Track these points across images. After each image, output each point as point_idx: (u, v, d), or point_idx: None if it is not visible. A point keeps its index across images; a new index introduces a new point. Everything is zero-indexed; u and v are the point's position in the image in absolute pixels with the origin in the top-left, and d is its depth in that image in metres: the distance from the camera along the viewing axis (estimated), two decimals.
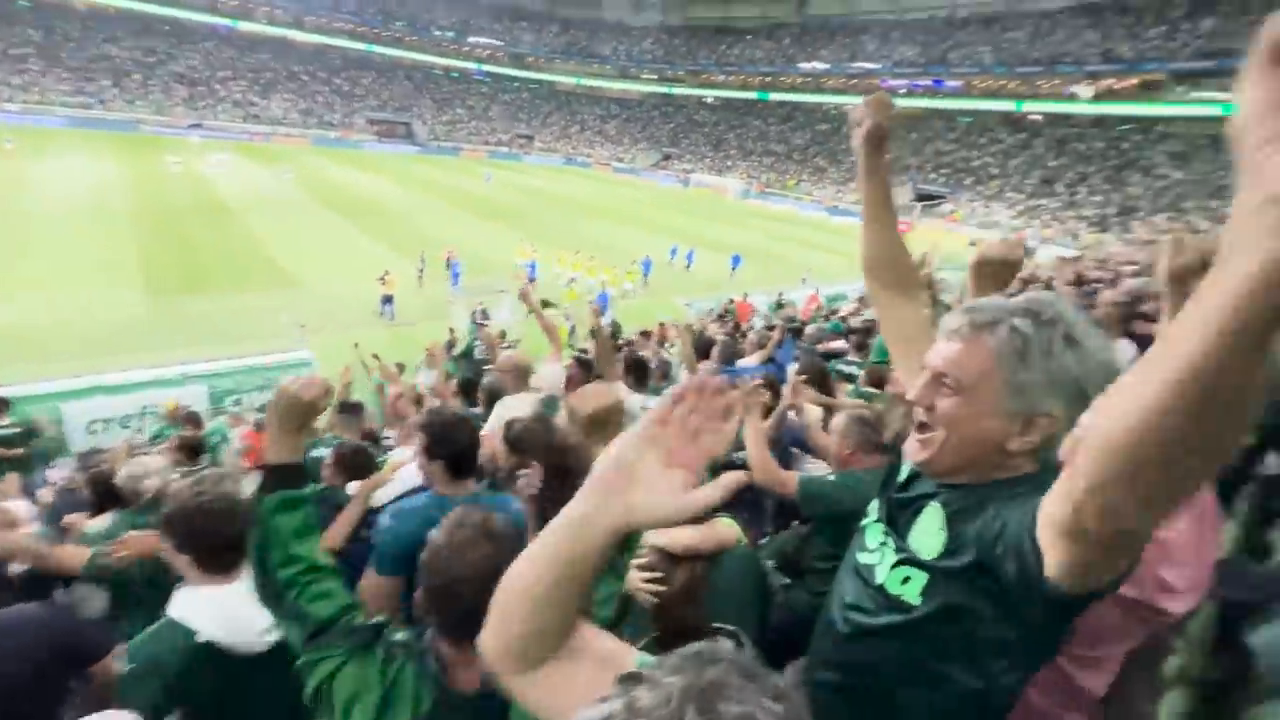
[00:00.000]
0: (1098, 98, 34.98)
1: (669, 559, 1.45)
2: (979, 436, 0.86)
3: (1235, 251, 0.39)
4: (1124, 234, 26.81)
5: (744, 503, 2.81)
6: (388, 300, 12.95)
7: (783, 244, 25.65)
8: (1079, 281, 8.88)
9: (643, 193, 38.13)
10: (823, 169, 43.25)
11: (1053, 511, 0.66)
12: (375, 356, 6.24)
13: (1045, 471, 0.87)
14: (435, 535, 1.06)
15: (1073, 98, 35.88)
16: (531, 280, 15.87)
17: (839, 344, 5.88)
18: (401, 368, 7.33)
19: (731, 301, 13.90)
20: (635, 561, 1.37)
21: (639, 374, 3.33)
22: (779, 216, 34.15)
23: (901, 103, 43.31)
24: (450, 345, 8.31)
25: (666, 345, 7.93)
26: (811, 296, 16.63)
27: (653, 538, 1.51)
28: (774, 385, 3.06)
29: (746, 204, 39.12)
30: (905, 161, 40.97)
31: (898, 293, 1.32)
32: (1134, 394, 0.48)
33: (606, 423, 1.62)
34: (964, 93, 40.32)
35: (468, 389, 4.14)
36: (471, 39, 55.54)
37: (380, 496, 2.20)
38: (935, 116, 42.30)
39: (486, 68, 56.35)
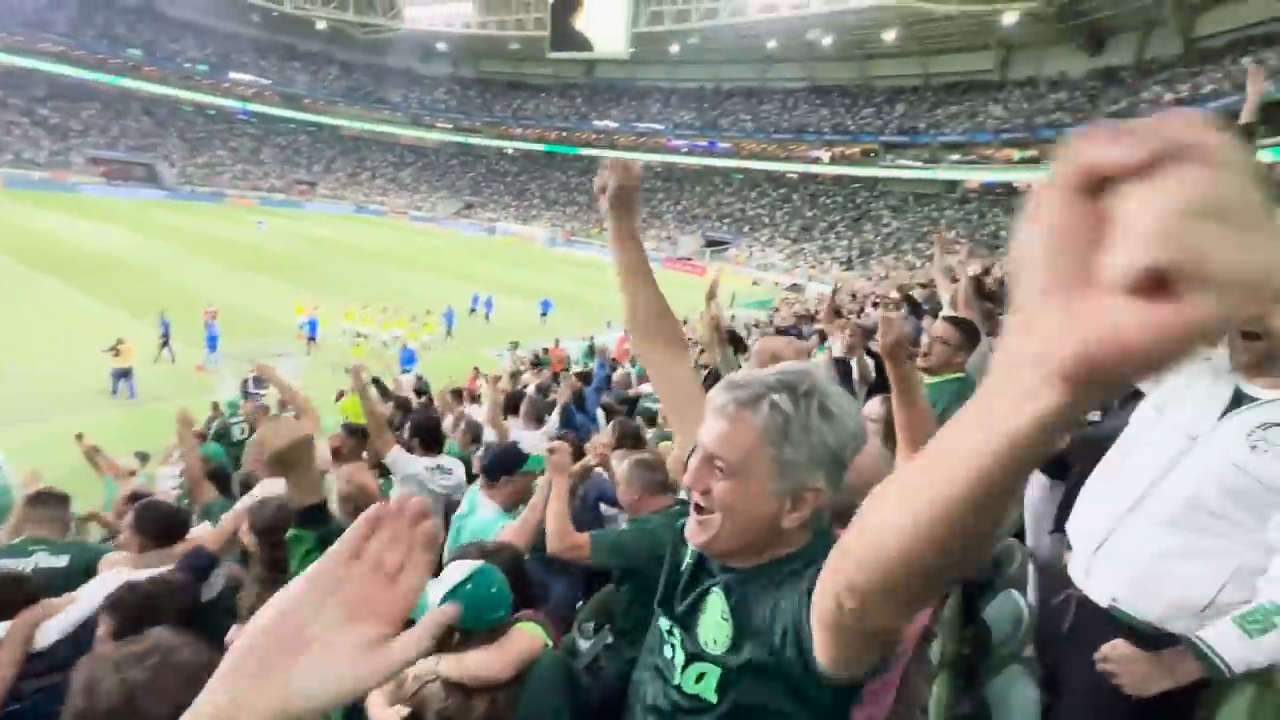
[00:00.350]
0: (833, 161, 42.47)
1: (462, 693, 1.23)
2: (754, 517, 0.86)
3: (998, 398, 0.36)
4: (865, 271, 32.44)
5: (563, 572, 2.65)
6: (123, 375, 10.56)
7: (590, 288, 26.52)
8: (837, 312, 10.37)
9: (445, 241, 36.93)
10: None
11: (817, 604, 0.66)
12: (94, 449, 4.92)
13: (818, 538, 0.90)
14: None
15: (817, 160, 43.10)
16: (311, 339, 14.22)
17: (649, 386, 6.10)
18: (144, 457, 5.97)
19: (545, 350, 13.82)
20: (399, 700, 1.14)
21: (428, 438, 3.03)
22: (586, 262, 35.38)
23: (683, 160, 48.26)
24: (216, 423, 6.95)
25: (474, 402, 7.52)
26: (621, 339, 17.30)
27: (441, 666, 1.26)
28: (577, 445, 2.99)
29: (554, 251, 39.94)
30: (694, 211, 45.38)
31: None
32: (889, 517, 0.47)
33: (295, 463, 1.38)
34: (734, 154, 46.16)
35: (220, 479, 3.42)
36: (233, 75, 49.66)
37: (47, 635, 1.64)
38: (714, 173, 47.68)
39: (253, 107, 50.62)
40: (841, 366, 3.94)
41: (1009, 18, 31.80)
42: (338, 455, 2.80)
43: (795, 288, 32.37)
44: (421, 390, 9.29)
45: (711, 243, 41.70)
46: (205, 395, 9.82)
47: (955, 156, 37.97)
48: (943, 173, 38.36)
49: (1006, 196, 36.67)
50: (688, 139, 47.61)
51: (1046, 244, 0.30)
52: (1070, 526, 1.67)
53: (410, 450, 2.91)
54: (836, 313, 4.90)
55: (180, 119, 46.69)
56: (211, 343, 12.43)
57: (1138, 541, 1.42)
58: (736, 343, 5.30)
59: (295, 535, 1.51)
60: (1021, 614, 1.92)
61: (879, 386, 3.28)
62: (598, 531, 2.01)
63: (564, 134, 52.37)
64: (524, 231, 44.54)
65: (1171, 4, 28.50)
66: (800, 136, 42.93)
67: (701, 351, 5.84)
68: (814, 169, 43.45)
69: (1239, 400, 1.29)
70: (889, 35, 37.70)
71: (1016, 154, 35.82)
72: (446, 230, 43.62)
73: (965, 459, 0.38)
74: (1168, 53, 30.64)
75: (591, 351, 14.35)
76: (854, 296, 14.05)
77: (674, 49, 45.61)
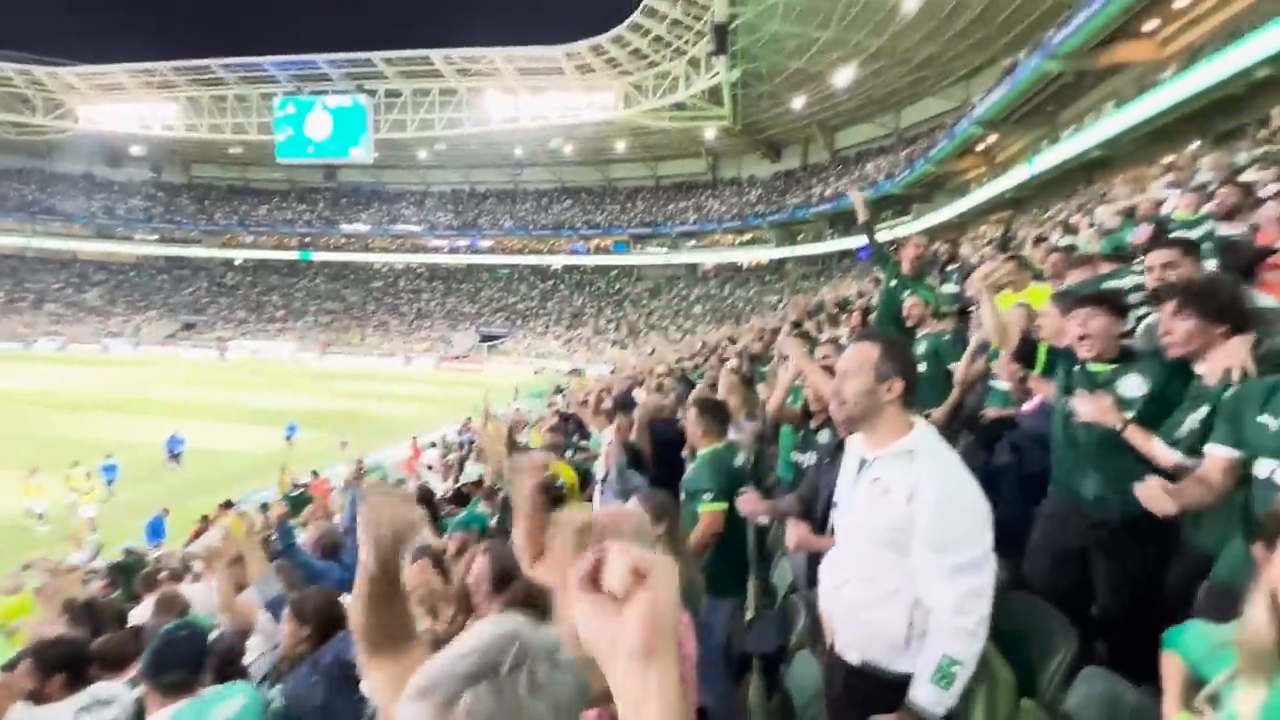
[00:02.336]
0: (592, 252, 45.92)
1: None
2: None
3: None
4: (637, 349, 34.83)
5: None
6: None
7: (357, 400, 23.91)
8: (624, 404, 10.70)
9: (155, 370, 30.41)
10: (386, 323, 43.27)
11: None
12: None
13: None
14: None
15: (575, 253, 46.16)
16: None
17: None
18: None
19: (303, 488, 11.57)
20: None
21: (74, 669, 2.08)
22: (348, 374, 32.05)
23: (447, 259, 47.79)
24: None
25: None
26: (412, 446, 15.63)
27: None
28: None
29: (306, 365, 35.51)
30: (464, 309, 44.65)
31: None
32: None
33: None
34: (498, 250, 47.16)
35: None
36: None
37: None
38: (481, 270, 47.92)
39: None
40: (630, 450, 3.91)
41: (709, 133, 38.76)
42: None
43: (576, 372, 33.30)
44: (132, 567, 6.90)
45: (487, 338, 41.24)
46: None
47: (692, 243, 43.91)
48: (683, 257, 44.00)
49: (735, 274, 43.20)
50: (448, 238, 47.46)
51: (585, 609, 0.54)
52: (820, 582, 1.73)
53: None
54: (623, 406, 4.90)
55: None
56: None
57: (849, 596, 1.58)
58: (514, 445, 5.05)
59: None
60: (817, 676, 1.89)
61: (661, 478, 3.28)
62: None
63: (308, 239, 48.27)
64: (267, 348, 39.01)
65: (817, 126, 37.62)
66: (558, 232, 45.76)
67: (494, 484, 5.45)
68: (575, 260, 46.41)
69: (861, 464, 1.52)
70: (620, 144, 42.99)
71: (736, 239, 42.81)
72: (161, 356, 36.18)
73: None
74: (821, 160, 40.04)
75: (363, 473, 12.62)
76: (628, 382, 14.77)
77: (422, 154, 45.89)
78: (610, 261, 45.94)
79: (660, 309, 41.60)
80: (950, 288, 5.53)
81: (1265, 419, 1.51)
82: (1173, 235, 3.59)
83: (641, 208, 45.32)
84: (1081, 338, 2.09)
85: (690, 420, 2.88)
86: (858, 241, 34.59)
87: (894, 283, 4.44)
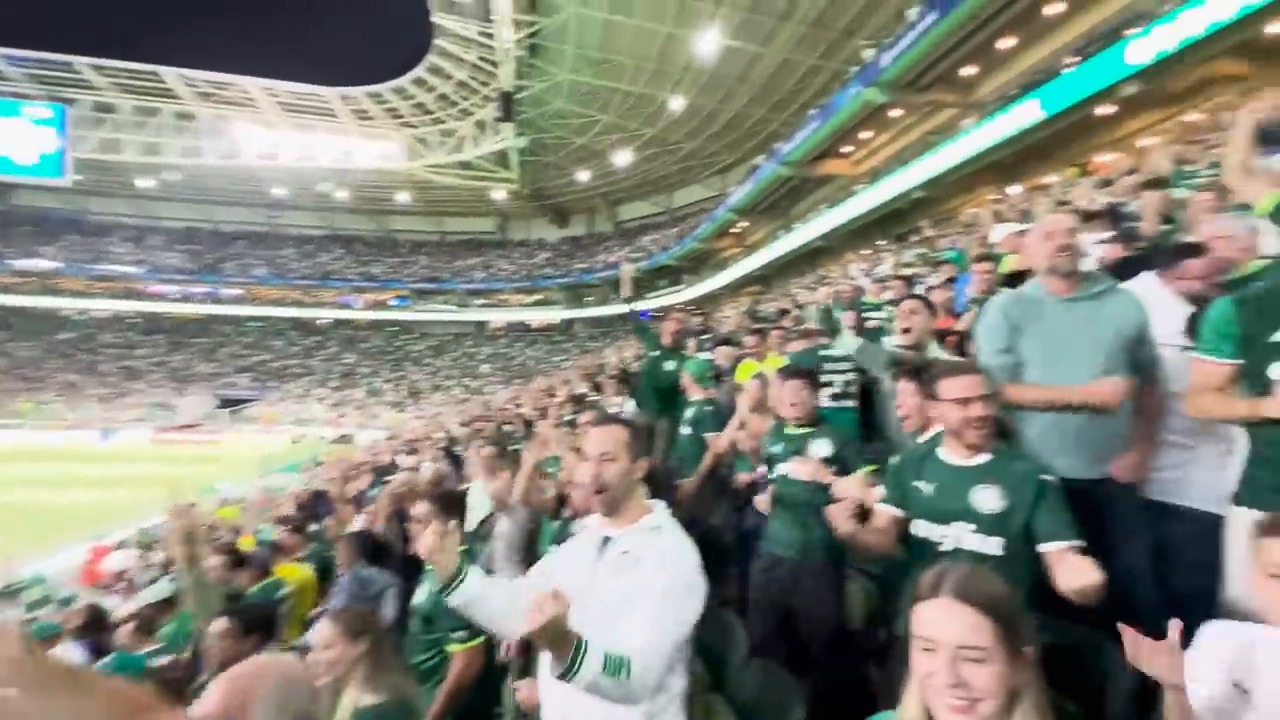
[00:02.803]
0: (368, 307, 42.18)
1: None
2: None
3: None
4: (418, 412, 32.35)
5: None
6: None
7: (22, 489, 17.92)
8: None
9: None
10: (75, 385, 33.99)
11: None
12: None
13: None
14: None
15: (347, 306, 41.98)
16: None
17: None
18: None
19: None
20: None
21: None
22: (12, 454, 24.14)
23: (176, 308, 39.81)
24: None
25: None
26: (93, 549, 11.93)
27: None
28: None
29: None
30: (197, 368, 37.27)
31: None
32: None
33: None
34: (246, 300, 40.72)
35: None
36: None
37: None
38: (222, 322, 40.77)
39: None
40: (373, 544, 3.41)
41: (498, 194, 39.04)
42: None
43: (344, 439, 29.57)
44: None
45: (228, 402, 34.72)
46: None
47: (480, 301, 42.98)
48: (472, 315, 42.77)
49: (525, 333, 43.24)
50: (179, 284, 39.67)
51: None
52: None
53: None
54: (402, 515, 4.28)
55: None
56: None
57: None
58: (241, 561, 4.06)
59: None
60: None
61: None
62: None
63: None
64: None
65: (601, 198, 40.34)
66: (326, 282, 41.27)
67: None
68: (347, 315, 42.13)
69: (605, 541, 1.50)
70: (403, 196, 40.97)
71: (525, 299, 43.09)
72: None
73: None
74: (606, 229, 42.82)
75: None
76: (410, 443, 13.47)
77: (145, 183, 38.25)
78: (388, 317, 42.64)
79: (446, 367, 39.52)
80: (705, 356, 6.03)
81: (919, 484, 1.74)
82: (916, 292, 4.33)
83: (425, 262, 43.34)
84: (791, 404, 2.35)
85: (420, 520, 2.40)
86: (636, 306, 37.27)
87: (655, 353, 4.68)
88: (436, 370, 39.23)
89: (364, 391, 36.55)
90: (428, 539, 1.34)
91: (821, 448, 2.36)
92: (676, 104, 26.52)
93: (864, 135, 21.85)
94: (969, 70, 17.17)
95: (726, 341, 5.78)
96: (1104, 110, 13.28)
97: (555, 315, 42.34)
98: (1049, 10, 14.41)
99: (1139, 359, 1.94)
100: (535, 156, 33.92)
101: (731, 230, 31.26)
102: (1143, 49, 11.02)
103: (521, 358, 39.98)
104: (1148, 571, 1.87)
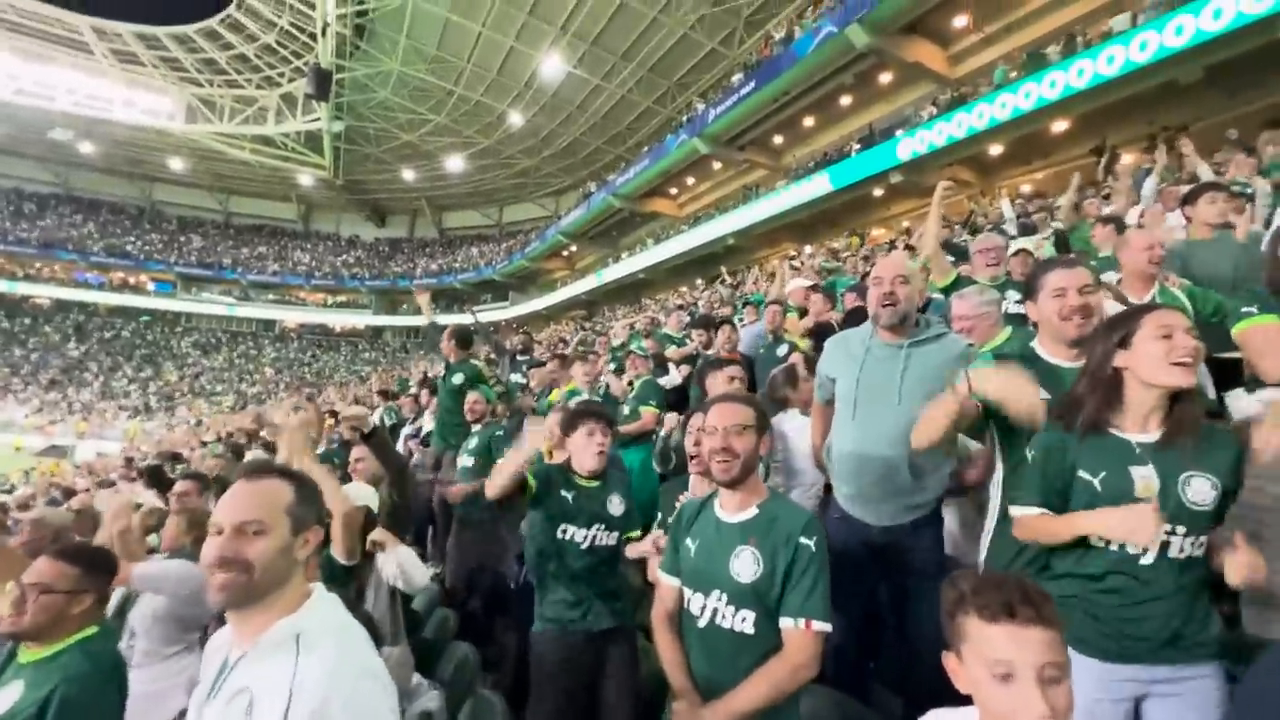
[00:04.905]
0: (115, 288, 34.37)
1: None
2: None
3: None
4: (169, 419, 26.89)
5: None
6: None
7: None
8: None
9: None
10: None
11: None
12: None
13: None
14: None
15: (85, 284, 33.78)
16: None
17: None
18: None
19: None
20: None
21: None
22: None
23: None
24: None
25: None
26: None
27: None
28: None
29: None
30: None
31: None
32: None
33: None
34: None
35: None
36: None
37: None
38: None
39: None
40: None
41: (304, 179, 34.61)
42: None
43: (55, 450, 23.39)
44: None
45: None
46: None
47: (270, 296, 37.45)
48: (255, 310, 37.02)
49: (324, 336, 38.57)
50: None
51: None
52: None
53: None
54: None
55: None
56: None
57: None
58: None
59: None
60: None
61: None
62: None
63: None
64: None
65: (426, 201, 37.89)
66: (50, 252, 32.82)
67: None
68: (81, 295, 33.85)
69: (222, 669, 1.03)
70: (175, 163, 34.38)
71: (329, 299, 38.54)
72: None
73: None
74: (430, 235, 40.27)
75: None
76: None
77: None
78: (144, 304, 35.11)
79: (215, 370, 33.55)
80: (518, 379, 5.69)
81: (688, 541, 1.56)
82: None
83: (199, 244, 36.75)
84: (600, 452, 2.11)
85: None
86: (460, 318, 35.48)
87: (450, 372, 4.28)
88: (203, 371, 33.12)
89: (93, 393, 29.41)
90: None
91: (614, 504, 2.13)
92: (515, 119, 26.07)
93: (689, 180, 23.44)
94: (778, 139, 19.39)
95: (541, 364, 5.51)
96: (878, 191, 15.80)
97: (363, 320, 38.48)
98: (843, 100, 16.87)
99: None
100: (354, 145, 30.83)
101: (562, 253, 31.32)
102: (908, 147, 13.34)
103: (318, 364, 35.52)
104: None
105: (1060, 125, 11.86)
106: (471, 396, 3.79)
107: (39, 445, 23.96)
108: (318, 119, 27.30)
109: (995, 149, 13.19)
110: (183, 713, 1.95)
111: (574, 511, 2.05)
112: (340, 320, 38.85)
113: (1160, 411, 1.32)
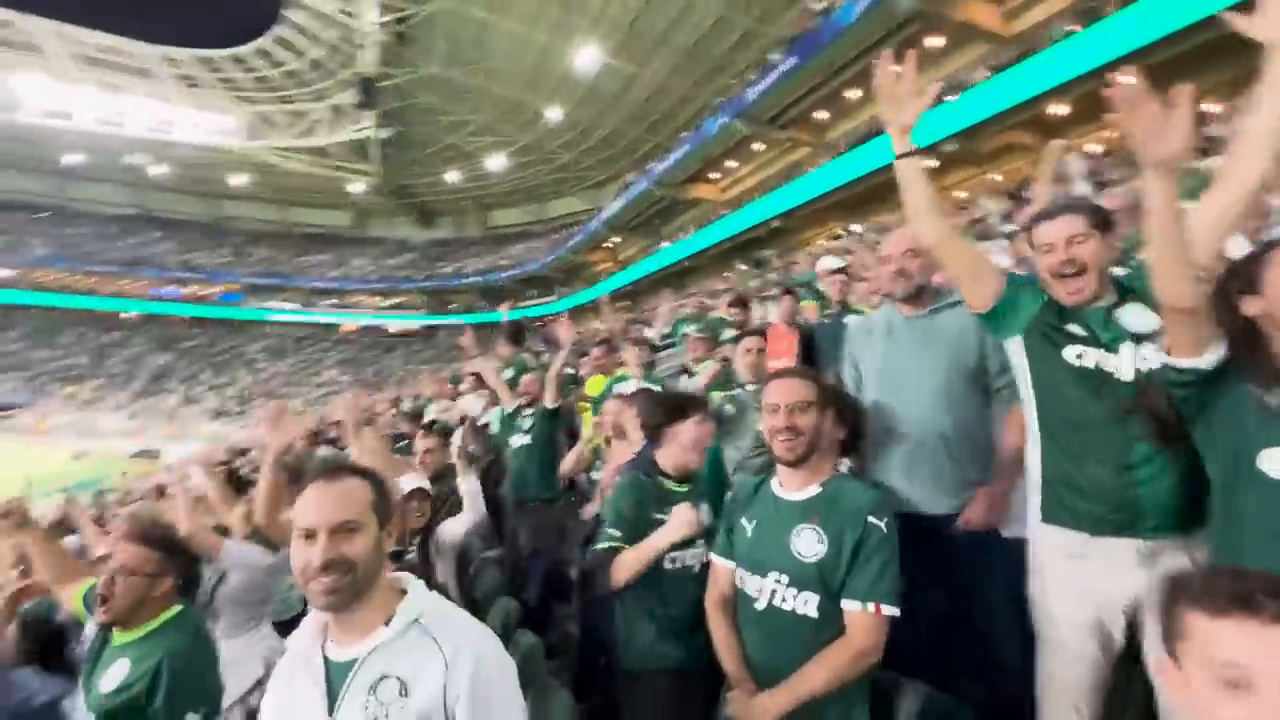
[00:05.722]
0: (190, 300, 36.65)
1: None
2: None
3: None
4: (243, 422, 28.54)
5: None
6: None
7: None
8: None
9: None
10: None
11: None
12: None
13: None
14: None
15: (162, 299, 36.18)
16: None
17: None
18: None
19: None
20: None
21: None
22: None
23: None
24: None
25: None
26: None
27: None
28: None
29: None
30: None
31: None
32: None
33: None
34: (23, 283, 33.62)
35: None
36: None
37: None
38: None
39: None
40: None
41: (356, 186, 35.95)
42: None
43: (147, 454, 25.18)
44: None
45: None
46: None
47: (331, 301, 39.14)
48: (318, 315, 38.78)
49: (382, 338, 40.09)
50: None
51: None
52: None
53: None
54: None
55: None
56: None
57: None
58: None
59: None
60: None
61: None
62: None
63: None
64: None
65: (471, 201, 38.72)
66: (134, 270, 35.26)
67: None
68: (162, 309, 36.27)
69: (335, 671, 1.04)
70: (240, 179, 36.29)
71: (384, 301, 40.00)
72: None
73: None
74: (475, 234, 41.17)
75: None
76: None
77: None
78: (216, 313, 37.34)
79: (284, 373, 35.37)
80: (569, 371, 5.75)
81: (744, 522, 1.50)
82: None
83: (265, 255, 38.70)
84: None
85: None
86: (507, 313, 36.14)
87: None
88: (273, 375, 34.99)
89: (178, 399, 31.54)
90: None
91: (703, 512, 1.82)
92: (553, 114, 26.24)
93: (730, 164, 23.04)
94: (821, 114, 18.79)
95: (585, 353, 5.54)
96: (932, 162, 15.09)
97: (416, 321, 39.75)
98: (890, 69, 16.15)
99: (984, 379, 1.79)
100: (399, 151, 31.79)
101: (604, 244, 31.42)
102: (959, 114, 12.69)
103: (377, 365, 36.96)
104: (1009, 613, 1.63)
105: (1127, 78, 11.00)
106: (527, 378, 3.85)
107: (131, 449, 25.89)
108: (366, 127, 28.28)
109: (1059, 109, 12.38)
110: (259, 681, 2.08)
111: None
112: (395, 322, 40.27)
113: None
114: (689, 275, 24.83)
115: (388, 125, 28.77)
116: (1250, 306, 1.12)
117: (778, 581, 1.37)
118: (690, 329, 5.60)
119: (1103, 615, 1.32)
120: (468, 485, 2.63)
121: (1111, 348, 1.34)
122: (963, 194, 14.84)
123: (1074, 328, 1.38)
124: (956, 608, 1.75)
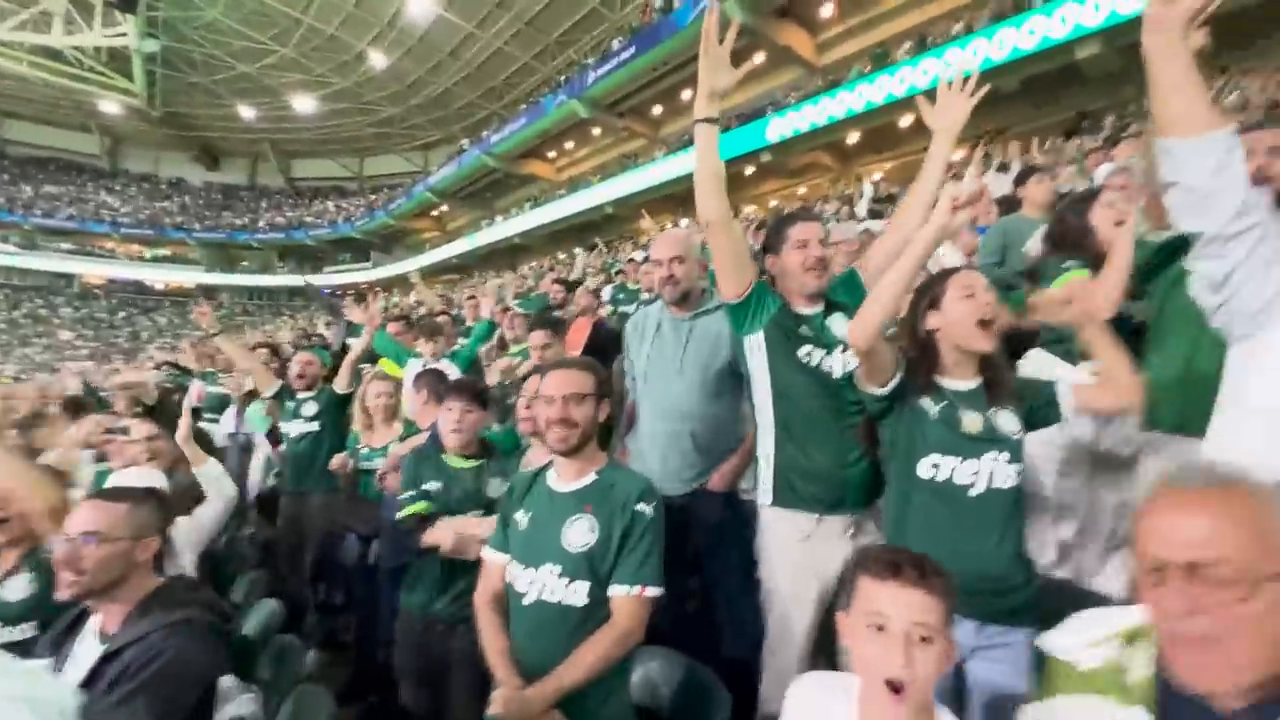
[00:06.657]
0: None
1: None
2: None
3: None
4: None
5: None
6: None
7: None
8: None
9: None
10: None
11: None
12: None
13: None
14: None
15: None
16: None
17: None
18: None
19: None
20: None
21: None
22: None
23: None
24: None
25: None
26: None
27: None
28: None
29: None
30: None
31: None
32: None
33: None
34: None
35: None
36: None
37: None
38: None
39: None
40: None
41: (109, 106, 28.99)
42: None
43: None
44: None
45: None
46: None
47: (66, 245, 31.41)
48: (44, 261, 30.91)
49: (141, 295, 33.26)
50: None
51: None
52: None
53: None
54: None
55: None
56: None
57: None
58: None
59: None
60: None
61: None
62: None
63: None
64: None
65: (270, 145, 33.51)
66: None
67: None
68: None
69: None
70: None
71: (148, 251, 33.15)
72: None
73: None
74: (275, 183, 35.82)
75: None
76: None
77: None
78: None
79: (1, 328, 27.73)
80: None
81: (518, 515, 1.54)
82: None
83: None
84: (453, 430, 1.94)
85: None
86: (313, 279, 32.16)
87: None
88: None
89: None
90: None
91: (494, 487, 1.91)
92: (377, 60, 23.67)
93: (567, 144, 22.85)
94: (657, 109, 19.43)
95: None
96: (748, 170, 16.43)
97: (192, 278, 33.64)
98: None
99: (736, 379, 1.94)
100: (175, 72, 26.33)
101: (431, 213, 29.35)
102: (777, 129, 13.95)
103: (133, 326, 30.62)
104: (740, 572, 1.83)
105: (907, 120, 13.03)
106: (302, 357, 3.37)
107: None
108: (123, 33, 22.92)
109: (853, 137, 14.21)
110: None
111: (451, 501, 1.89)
112: (163, 277, 33.64)
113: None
114: (521, 254, 24.24)
115: (155, 36, 23.61)
116: (931, 320, 1.40)
117: (550, 573, 1.37)
118: (514, 305, 5.45)
119: (824, 588, 1.58)
120: (207, 470, 2.27)
121: (830, 350, 1.62)
122: (774, 202, 16.40)
123: (805, 330, 1.64)
124: (696, 579, 1.98)
